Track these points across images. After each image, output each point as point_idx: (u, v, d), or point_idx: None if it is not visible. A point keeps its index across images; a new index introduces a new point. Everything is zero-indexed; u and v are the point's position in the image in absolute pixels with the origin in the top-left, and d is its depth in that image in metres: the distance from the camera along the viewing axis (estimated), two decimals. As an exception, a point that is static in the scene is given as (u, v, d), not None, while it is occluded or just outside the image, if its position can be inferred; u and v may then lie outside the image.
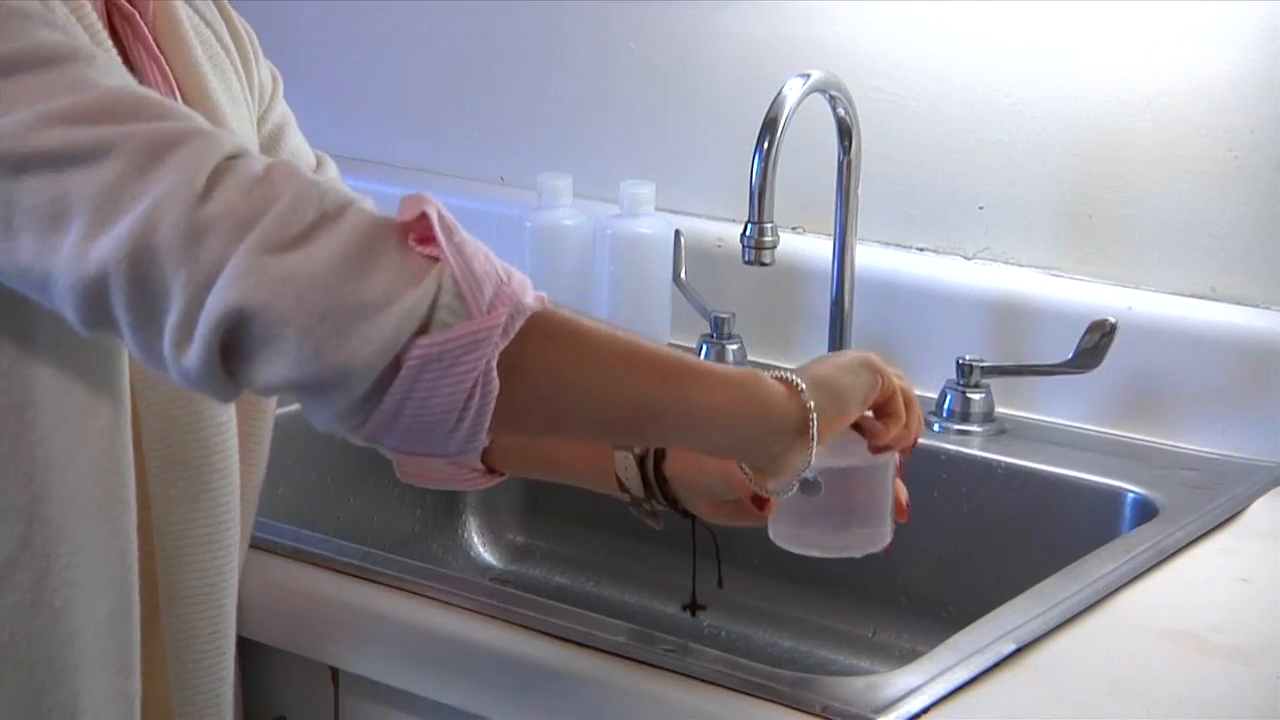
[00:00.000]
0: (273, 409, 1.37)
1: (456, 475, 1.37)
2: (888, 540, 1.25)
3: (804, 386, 1.17)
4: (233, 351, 1.02)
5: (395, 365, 1.01)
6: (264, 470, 1.37)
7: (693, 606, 1.41)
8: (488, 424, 1.04)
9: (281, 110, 1.43)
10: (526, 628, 1.31)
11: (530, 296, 1.05)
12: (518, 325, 1.03)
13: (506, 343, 1.03)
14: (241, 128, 1.32)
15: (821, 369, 1.21)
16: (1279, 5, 1.65)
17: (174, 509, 1.27)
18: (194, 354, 1.02)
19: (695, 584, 1.39)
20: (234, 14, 1.38)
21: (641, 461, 1.31)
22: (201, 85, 1.29)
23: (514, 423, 1.08)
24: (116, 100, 1.05)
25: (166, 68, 1.27)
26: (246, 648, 1.40)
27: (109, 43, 1.20)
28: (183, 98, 1.28)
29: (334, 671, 1.41)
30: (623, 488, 1.33)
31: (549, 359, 1.07)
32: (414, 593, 1.37)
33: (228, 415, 1.28)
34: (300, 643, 1.41)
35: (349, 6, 2.24)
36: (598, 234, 1.94)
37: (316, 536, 1.49)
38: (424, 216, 1.03)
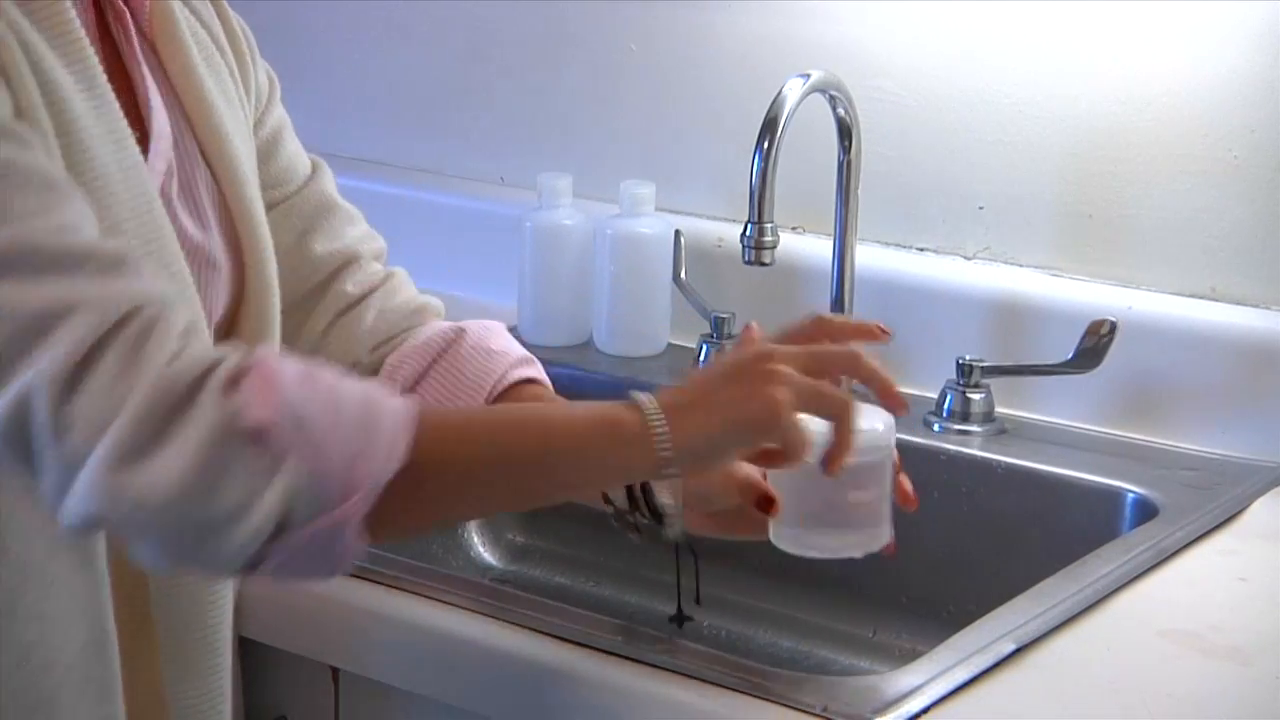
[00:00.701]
0: None
1: None
2: (886, 539, 1.24)
3: (635, 394, 1.13)
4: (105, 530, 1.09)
5: (261, 555, 1.05)
6: None
7: (679, 619, 1.41)
8: (359, 559, 1.09)
9: (279, 114, 1.42)
10: (526, 628, 1.31)
11: (398, 452, 1.06)
12: (382, 486, 1.05)
13: (371, 504, 1.05)
14: (237, 130, 1.31)
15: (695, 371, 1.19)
16: (1279, 5, 1.65)
17: None
18: (68, 525, 1.06)
19: (680, 602, 1.40)
20: (231, 14, 1.37)
21: None
22: (197, 87, 1.28)
23: (409, 534, 1.12)
24: (5, 251, 1.04)
25: (159, 69, 1.26)
26: (247, 648, 1.40)
27: (88, 49, 1.17)
28: (178, 99, 1.27)
29: (334, 671, 1.41)
30: (606, 499, 1.29)
31: (421, 499, 1.09)
32: (414, 593, 1.37)
33: None
34: (300, 643, 1.41)
35: (349, 6, 2.24)
36: (598, 234, 1.94)
37: (316, 536, 1.49)
38: (270, 421, 1.03)
